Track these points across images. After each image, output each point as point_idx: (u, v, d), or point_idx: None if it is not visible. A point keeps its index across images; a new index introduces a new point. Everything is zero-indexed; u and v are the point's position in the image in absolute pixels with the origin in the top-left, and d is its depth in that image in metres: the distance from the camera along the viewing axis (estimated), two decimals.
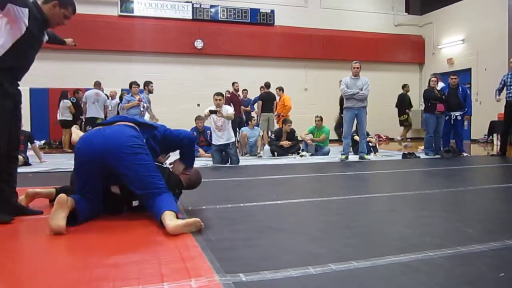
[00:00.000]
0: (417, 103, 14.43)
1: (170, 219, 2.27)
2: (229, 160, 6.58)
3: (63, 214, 2.26)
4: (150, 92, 8.44)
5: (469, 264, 1.79)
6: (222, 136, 6.57)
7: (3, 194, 2.59)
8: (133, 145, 2.46)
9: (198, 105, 11.86)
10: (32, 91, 10.75)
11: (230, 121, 6.67)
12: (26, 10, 2.52)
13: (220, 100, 6.52)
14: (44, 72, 10.68)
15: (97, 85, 9.25)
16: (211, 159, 6.91)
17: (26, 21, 2.53)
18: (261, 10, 13.06)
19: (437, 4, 14.21)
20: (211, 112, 6.50)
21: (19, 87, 2.70)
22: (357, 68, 6.98)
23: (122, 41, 11.75)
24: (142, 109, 7.93)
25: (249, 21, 12.93)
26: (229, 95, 9.41)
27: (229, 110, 6.65)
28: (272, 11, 13.12)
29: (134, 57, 12.06)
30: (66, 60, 11.39)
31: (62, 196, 2.33)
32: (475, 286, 1.56)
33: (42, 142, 10.49)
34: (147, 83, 8.42)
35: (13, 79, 2.63)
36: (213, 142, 6.72)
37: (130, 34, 11.94)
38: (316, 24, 13.59)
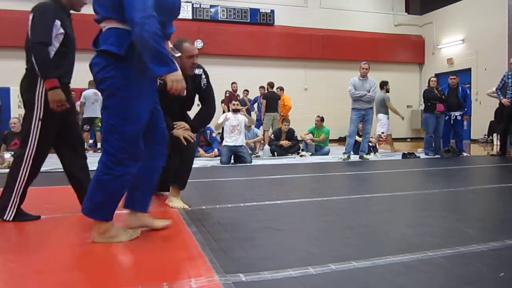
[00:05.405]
0: (417, 103, 14.44)
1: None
2: (241, 160, 6.57)
3: None
4: None
5: (469, 264, 1.79)
6: (237, 138, 6.63)
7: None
8: None
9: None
10: None
11: (244, 125, 6.88)
12: (57, 22, 2.56)
13: (238, 104, 7.02)
14: None
15: (92, 84, 9.16)
16: (211, 159, 6.94)
17: (62, 30, 2.58)
18: (261, 10, 13.05)
19: (437, 4, 14.21)
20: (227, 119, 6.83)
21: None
22: (366, 69, 6.98)
23: None
24: None
25: (249, 21, 12.92)
26: (228, 95, 9.45)
27: (246, 119, 7.07)
28: (272, 11, 13.11)
29: None
30: None
31: None
32: (475, 286, 1.56)
33: None
34: None
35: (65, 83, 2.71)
36: (224, 143, 6.72)
37: None
38: (316, 24, 13.58)
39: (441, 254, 1.89)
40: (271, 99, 9.04)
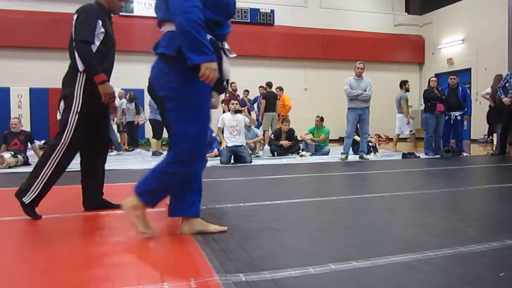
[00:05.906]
0: (417, 103, 14.44)
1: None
2: (241, 160, 6.59)
3: None
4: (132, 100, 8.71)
5: (469, 264, 1.79)
6: (237, 139, 6.64)
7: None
8: None
9: None
10: (32, 91, 10.75)
11: (244, 125, 6.93)
12: (99, 21, 2.68)
13: (236, 104, 7.04)
14: (44, 72, 10.67)
15: None
16: (211, 159, 6.94)
17: (103, 29, 2.71)
18: (261, 10, 13.05)
19: (437, 4, 14.22)
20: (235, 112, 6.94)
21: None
22: (361, 68, 7.00)
23: (122, 41, 11.57)
24: None
25: (249, 21, 12.92)
26: (227, 95, 9.46)
27: (246, 119, 7.17)
28: (272, 11, 13.12)
29: (134, 57, 12.03)
30: (66, 60, 11.19)
31: None
32: (475, 286, 1.56)
33: (42, 142, 10.50)
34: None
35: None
36: (227, 144, 6.75)
37: (130, 34, 11.92)
38: (316, 24, 13.59)
39: (441, 254, 1.89)
40: (270, 98, 9.06)
